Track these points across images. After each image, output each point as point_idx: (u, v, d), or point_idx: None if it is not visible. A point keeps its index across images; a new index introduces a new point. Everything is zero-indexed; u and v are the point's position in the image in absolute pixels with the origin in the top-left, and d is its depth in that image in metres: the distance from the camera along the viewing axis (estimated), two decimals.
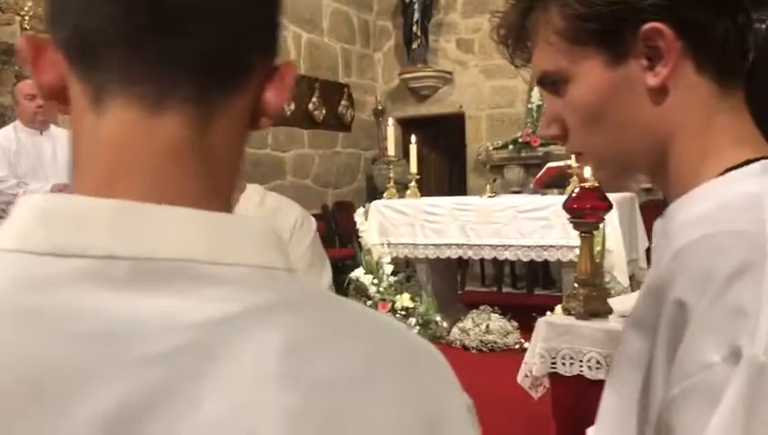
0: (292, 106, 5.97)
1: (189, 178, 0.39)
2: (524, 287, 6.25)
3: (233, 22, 0.39)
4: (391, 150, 4.86)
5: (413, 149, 4.70)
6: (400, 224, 4.60)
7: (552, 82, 0.65)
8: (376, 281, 4.58)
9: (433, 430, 0.36)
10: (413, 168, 4.71)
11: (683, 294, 0.52)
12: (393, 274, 4.73)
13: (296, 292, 0.39)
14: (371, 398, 0.35)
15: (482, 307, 4.55)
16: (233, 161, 0.42)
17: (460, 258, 4.70)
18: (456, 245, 4.40)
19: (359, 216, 4.69)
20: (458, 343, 4.41)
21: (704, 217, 0.57)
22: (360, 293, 4.52)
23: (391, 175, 4.86)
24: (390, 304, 4.54)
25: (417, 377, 0.38)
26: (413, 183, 4.65)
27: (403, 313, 4.58)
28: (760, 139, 0.62)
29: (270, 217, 1.38)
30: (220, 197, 0.41)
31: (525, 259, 4.23)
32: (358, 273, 4.57)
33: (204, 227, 0.37)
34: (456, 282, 5.52)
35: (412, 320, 4.58)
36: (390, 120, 4.81)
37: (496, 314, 4.49)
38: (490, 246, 4.29)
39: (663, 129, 0.61)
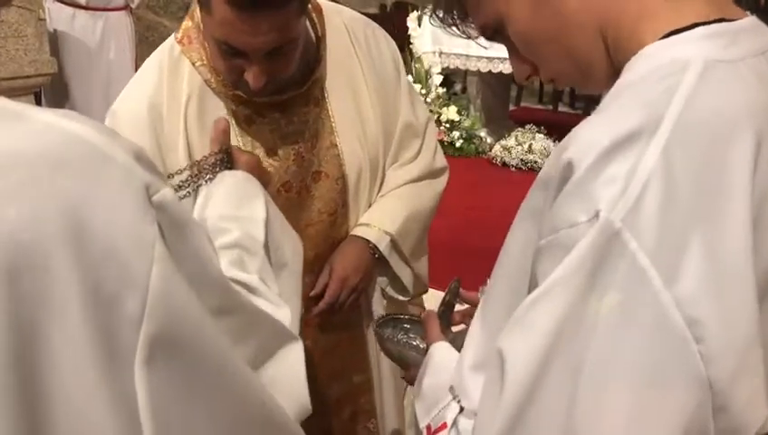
0: None
1: None
2: (582, 109, 6.04)
3: None
4: None
5: None
6: (455, 33, 4.40)
7: (494, 32, 0.68)
8: (424, 91, 4.52)
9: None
10: None
11: (573, 155, 0.53)
12: (442, 85, 4.65)
13: None
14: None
15: (527, 126, 4.48)
16: None
17: None
18: None
19: (411, 20, 4.50)
20: (499, 159, 4.43)
21: (630, 83, 0.57)
22: None
23: None
24: (436, 117, 4.52)
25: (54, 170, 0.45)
26: None
27: (447, 125, 4.57)
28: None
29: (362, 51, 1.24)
30: None
31: None
32: None
33: None
34: (509, 98, 5.35)
35: (456, 133, 4.58)
36: None
37: (541, 135, 4.42)
38: None
39: (596, 11, 0.60)
